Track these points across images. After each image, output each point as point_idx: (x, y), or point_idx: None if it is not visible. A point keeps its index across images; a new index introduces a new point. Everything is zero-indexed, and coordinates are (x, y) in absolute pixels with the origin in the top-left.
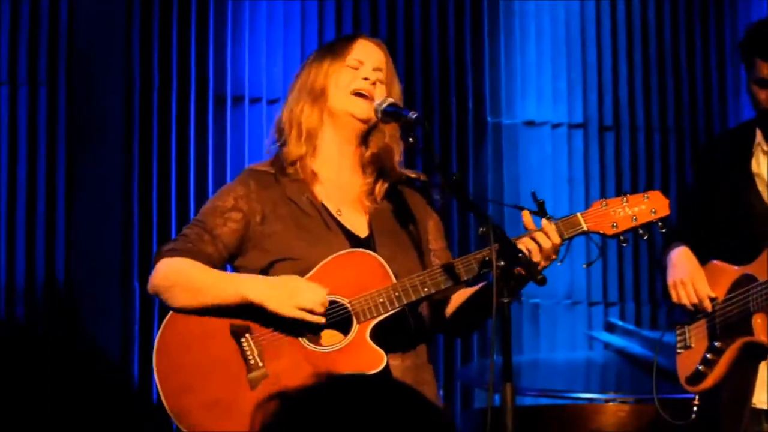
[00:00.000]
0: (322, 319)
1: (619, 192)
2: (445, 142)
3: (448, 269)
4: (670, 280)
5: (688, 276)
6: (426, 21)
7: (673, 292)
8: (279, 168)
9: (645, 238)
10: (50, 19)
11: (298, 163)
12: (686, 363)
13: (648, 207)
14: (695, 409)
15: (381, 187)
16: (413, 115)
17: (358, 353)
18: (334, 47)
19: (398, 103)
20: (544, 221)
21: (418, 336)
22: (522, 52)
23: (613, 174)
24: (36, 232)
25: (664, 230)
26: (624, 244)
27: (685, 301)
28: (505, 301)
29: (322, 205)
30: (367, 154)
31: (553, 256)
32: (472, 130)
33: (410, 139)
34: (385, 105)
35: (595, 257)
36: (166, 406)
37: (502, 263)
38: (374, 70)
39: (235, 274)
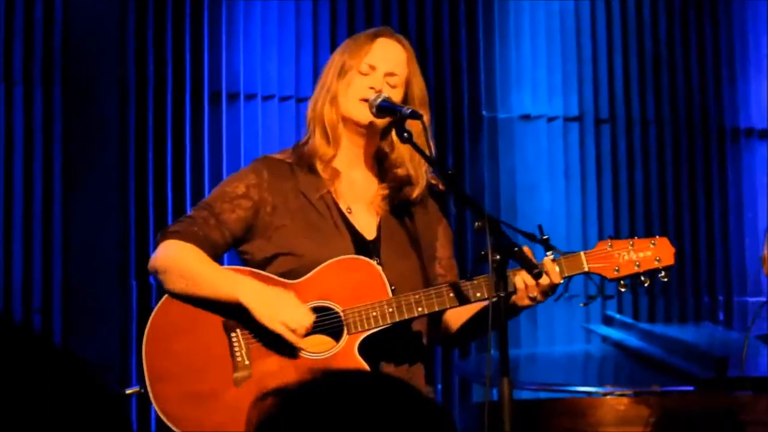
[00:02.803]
0: (300, 342)
1: (615, 185)
2: (441, 136)
3: (445, 293)
4: (762, 254)
5: None
6: (421, 15)
7: (763, 266)
8: (297, 158)
9: (646, 285)
10: (45, 17)
11: (320, 161)
12: None
13: (653, 254)
14: None
15: (401, 196)
16: (407, 110)
17: (343, 364)
18: (353, 47)
19: (391, 99)
20: (545, 259)
21: (414, 352)
22: (517, 45)
23: (609, 167)
24: (33, 230)
25: (665, 279)
26: (623, 290)
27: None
28: (502, 295)
29: (333, 199)
30: (387, 159)
31: (550, 293)
32: (468, 125)
33: (404, 134)
34: (379, 101)
35: (593, 295)
36: (149, 388)
37: (498, 257)
38: (386, 75)
39: (232, 273)
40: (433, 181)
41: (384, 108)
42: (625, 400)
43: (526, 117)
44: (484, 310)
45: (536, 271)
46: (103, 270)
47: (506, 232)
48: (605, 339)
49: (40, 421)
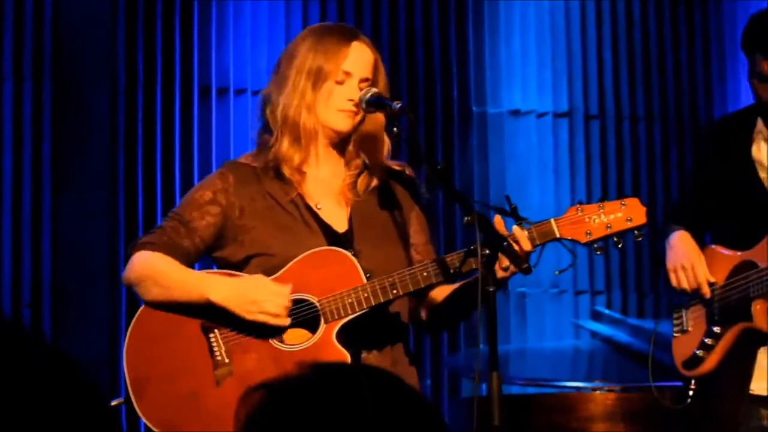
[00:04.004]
0: (286, 321)
1: (605, 181)
2: (430, 131)
3: (418, 272)
4: (669, 265)
5: (688, 260)
6: (410, 10)
7: (673, 276)
8: (263, 164)
9: (619, 246)
10: (34, 12)
11: (286, 168)
12: (683, 347)
13: (624, 215)
14: (691, 393)
15: (365, 181)
16: (397, 104)
17: (322, 353)
18: (327, 51)
19: (382, 93)
20: (515, 227)
21: (395, 334)
22: (507, 41)
23: (598, 162)
24: (21, 226)
25: (639, 239)
26: (597, 253)
27: (685, 285)
28: (491, 290)
29: (302, 200)
30: (350, 147)
31: (523, 263)
32: (458, 120)
33: (395, 129)
34: (369, 96)
35: (567, 265)
36: (132, 398)
37: (487, 252)
38: (361, 81)
39: (202, 274)
40: (397, 167)
41: (374, 103)
42: (613, 395)
43: (516, 112)
44: (461, 290)
45: (525, 266)
46: (92, 265)
47: (494, 228)
48: (594, 334)
49: (29, 420)
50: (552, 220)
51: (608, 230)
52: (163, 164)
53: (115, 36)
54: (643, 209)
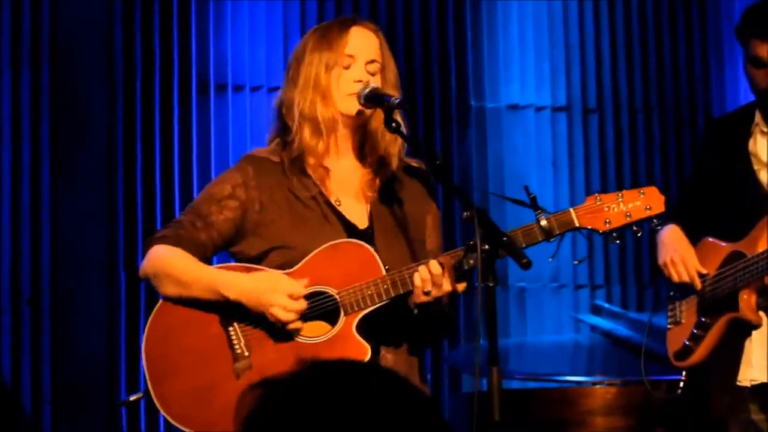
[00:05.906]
0: (296, 324)
1: (604, 174)
2: (429, 126)
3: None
4: (661, 260)
5: (679, 255)
6: (408, 4)
7: (665, 271)
8: (287, 160)
9: (639, 234)
10: (32, 5)
11: (311, 159)
12: (675, 338)
13: (643, 203)
14: (681, 384)
15: (382, 178)
16: (395, 99)
17: (343, 345)
18: (330, 40)
19: (379, 89)
20: (434, 263)
21: (410, 329)
22: (505, 35)
23: (597, 156)
24: (21, 217)
25: (659, 228)
26: (616, 242)
27: (676, 279)
28: (491, 285)
29: (321, 194)
30: (367, 144)
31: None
32: (456, 115)
33: (393, 124)
34: (366, 91)
35: (583, 256)
36: (151, 391)
37: (487, 247)
38: (367, 64)
39: (216, 271)
40: (414, 164)
41: (371, 98)
42: (613, 389)
43: (514, 107)
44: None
45: (524, 261)
46: (91, 259)
47: (493, 223)
48: (594, 328)
49: None
50: (571, 210)
51: (628, 219)
52: (162, 157)
53: (112, 30)
54: (662, 198)
